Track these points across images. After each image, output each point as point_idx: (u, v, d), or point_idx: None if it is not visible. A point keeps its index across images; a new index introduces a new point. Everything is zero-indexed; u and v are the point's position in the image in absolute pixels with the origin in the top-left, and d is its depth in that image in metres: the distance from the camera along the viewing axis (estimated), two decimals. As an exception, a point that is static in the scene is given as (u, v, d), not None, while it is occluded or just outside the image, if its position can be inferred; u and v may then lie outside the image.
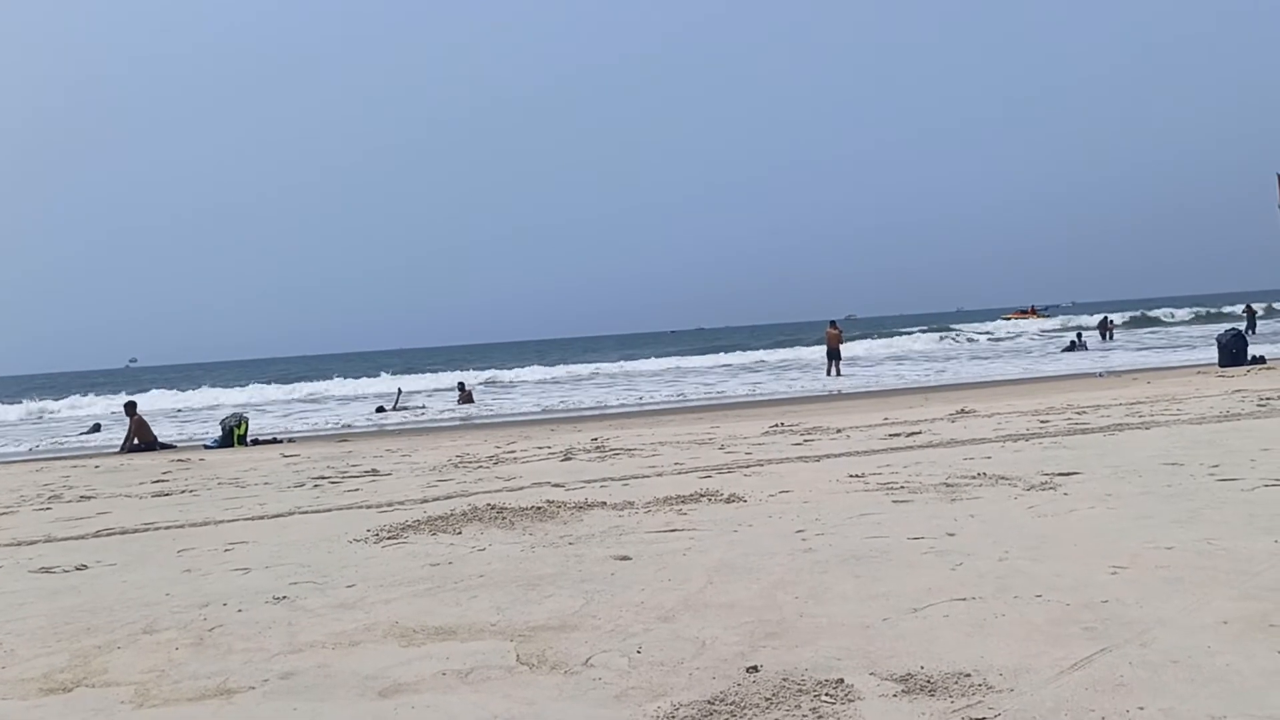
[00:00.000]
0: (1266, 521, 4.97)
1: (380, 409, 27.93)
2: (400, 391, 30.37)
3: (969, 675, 3.18)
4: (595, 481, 7.98)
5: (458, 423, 22.62)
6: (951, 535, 5.19)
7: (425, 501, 7.56)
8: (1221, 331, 24.38)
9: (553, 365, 51.58)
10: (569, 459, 9.92)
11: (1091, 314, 58.23)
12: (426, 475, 9.42)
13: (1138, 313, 67.76)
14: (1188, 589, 3.96)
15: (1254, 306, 43.09)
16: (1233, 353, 21.64)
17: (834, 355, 31.39)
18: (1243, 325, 34.08)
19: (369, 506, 7.57)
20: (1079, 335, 40.30)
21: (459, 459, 10.78)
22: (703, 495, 6.86)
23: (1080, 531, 5.10)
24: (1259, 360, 21.35)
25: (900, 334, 61.09)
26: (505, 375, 45.05)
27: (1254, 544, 4.57)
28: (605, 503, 6.80)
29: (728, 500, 6.67)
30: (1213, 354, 22.42)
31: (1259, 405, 10.40)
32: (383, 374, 49.09)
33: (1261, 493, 5.71)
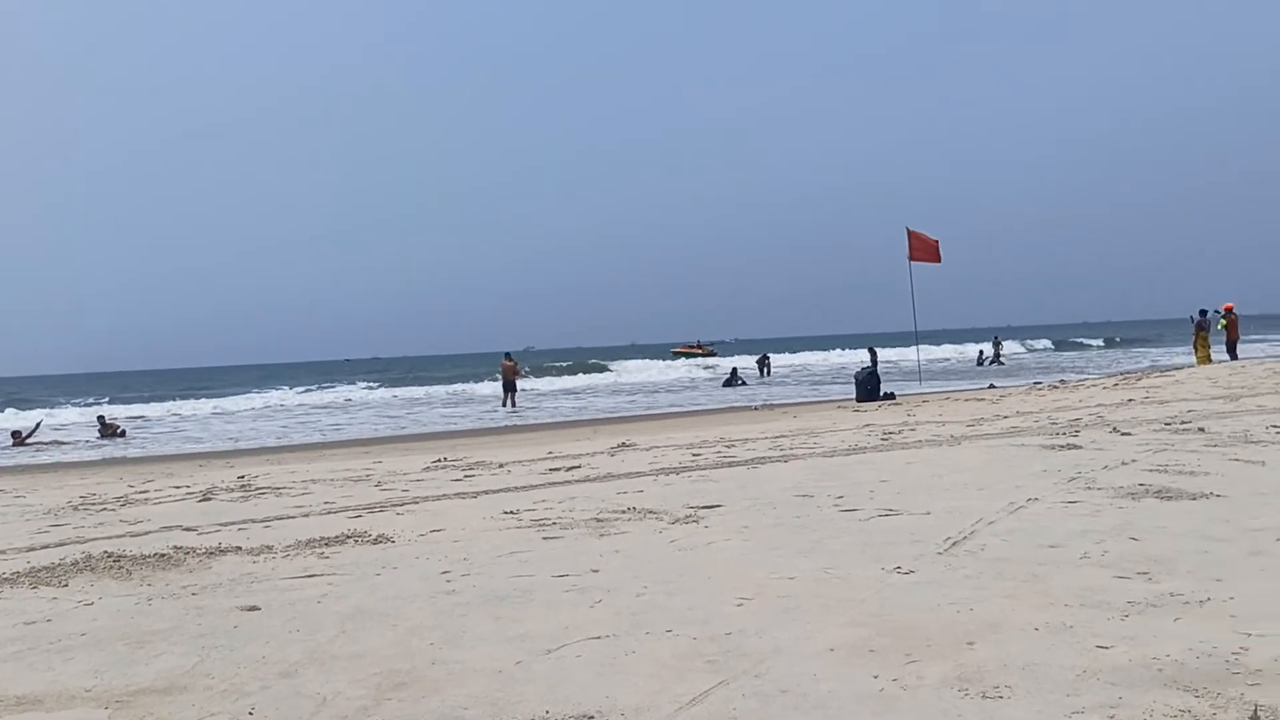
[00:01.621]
0: (877, 550, 5.36)
1: (15, 434, 25.40)
2: (40, 425, 27.55)
3: (593, 717, 3.16)
4: (233, 524, 7.43)
5: (96, 459, 20.63)
6: (596, 571, 5.22)
7: (31, 550, 6.72)
8: (859, 369, 26.76)
9: (222, 395, 48.49)
10: (208, 499, 9.21)
11: (751, 352, 62.07)
12: (39, 519, 8.41)
13: (802, 350, 73.25)
14: (804, 618, 4.17)
15: (875, 349, 47.60)
16: (868, 389, 23.83)
17: (510, 387, 31.56)
18: (871, 364, 37.48)
19: (-40, 558, 6.64)
20: (734, 371, 42.89)
21: (82, 500, 9.75)
22: (349, 537, 6.55)
23: (715, 564, 5.28)
24: (889, 396, 23.58)
25: (583, 368, 62.37)
26: (161, 408, 41.66)
27: (865, 571, 4.91)
28: (240, 547, 6.32)
29: (375, 541, 6.40)
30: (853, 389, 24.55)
31: (882, 439, 11.37)
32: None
33: (876, 522, 6.18)
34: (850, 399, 24.34)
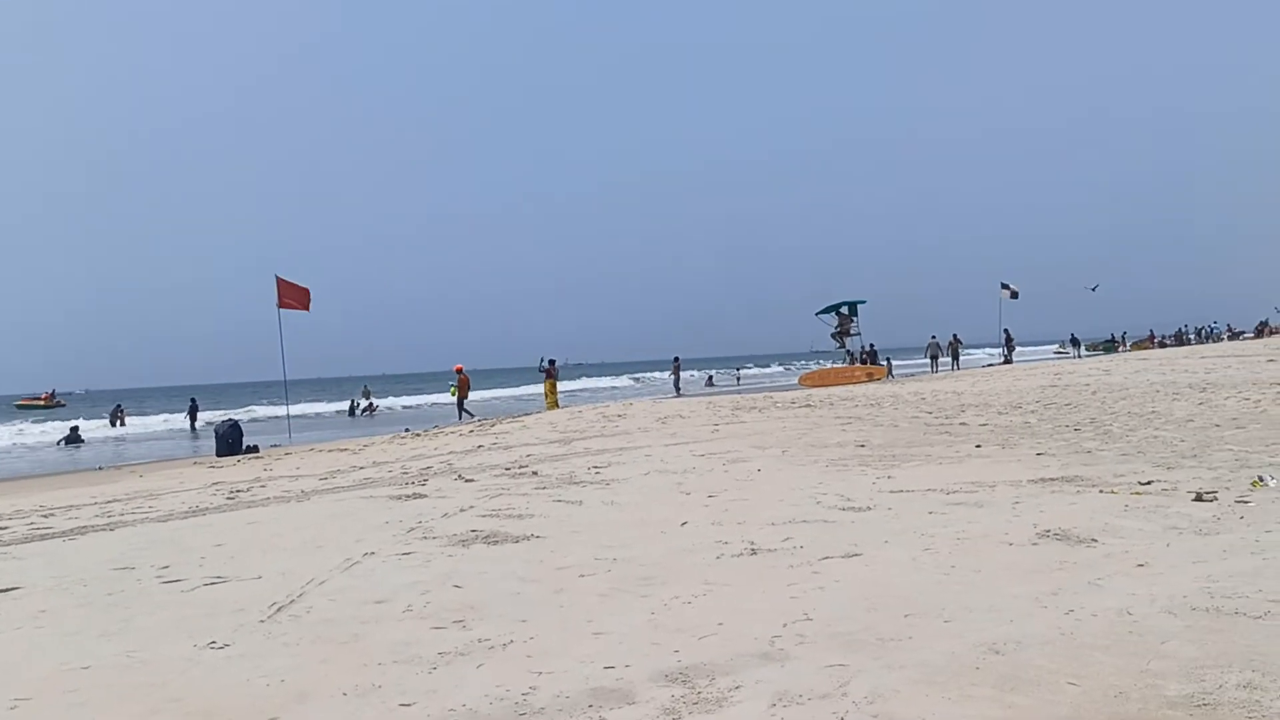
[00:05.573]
0: (194, 624, 4.95)
1: None
2: None
3: None
4: None
5: None
6: None
7: None
8: (220, 422, 25.47)
9: None
10: None
11: (106, 405, 56.34)
12: None
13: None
14: (91, 714, 3.67)
15: (195, 399, 46.05)
16: (229, 443, 22.76)
17: None
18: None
19: None
20: (75, 429, 38.88)
21: None
22: None
23: (-7, 663, 4.50)
24: (252, 450, 22.71)
25: None
26: None
27: (175, 650, 4.49)
28: None
29: None
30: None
31: (228, 498, 10.77)
32: None
33: (200, 593, 5.73)
34: (212, 454, 23.03)
